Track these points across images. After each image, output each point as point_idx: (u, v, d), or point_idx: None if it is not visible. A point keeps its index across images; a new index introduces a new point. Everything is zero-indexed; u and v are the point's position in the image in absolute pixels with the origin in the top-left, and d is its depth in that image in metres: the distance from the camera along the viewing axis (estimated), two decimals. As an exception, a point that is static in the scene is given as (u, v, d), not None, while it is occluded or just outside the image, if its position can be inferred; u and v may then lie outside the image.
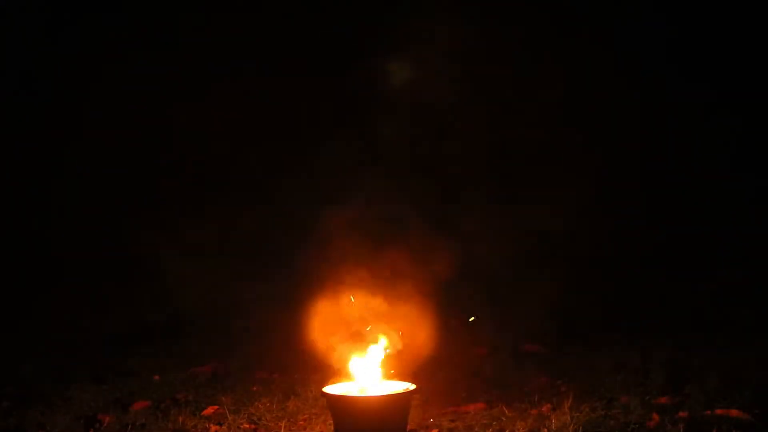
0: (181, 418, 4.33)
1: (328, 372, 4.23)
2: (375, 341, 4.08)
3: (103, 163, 7.12)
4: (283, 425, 4.19)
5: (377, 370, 4.05)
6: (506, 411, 4.26)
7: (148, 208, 7.26)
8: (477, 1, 6.45)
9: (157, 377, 5.19)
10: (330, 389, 3.96)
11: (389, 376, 4.07)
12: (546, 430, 4.01)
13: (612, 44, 6.77)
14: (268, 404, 4.49)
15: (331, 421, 3.98)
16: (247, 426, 4.23)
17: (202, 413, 4.42)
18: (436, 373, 4.81)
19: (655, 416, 4.09)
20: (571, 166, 6.92)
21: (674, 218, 7.18)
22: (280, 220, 6.78)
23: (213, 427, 4.23)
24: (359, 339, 4.09)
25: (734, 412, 4.06)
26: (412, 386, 3.95)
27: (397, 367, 4.10)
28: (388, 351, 4.06)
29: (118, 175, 7.11)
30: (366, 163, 6.27)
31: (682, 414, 4.10)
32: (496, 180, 7.00)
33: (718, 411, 4.10)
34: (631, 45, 6.88)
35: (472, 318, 5.72)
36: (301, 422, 4.25)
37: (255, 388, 4.83)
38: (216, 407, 4.48)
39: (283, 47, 6.41)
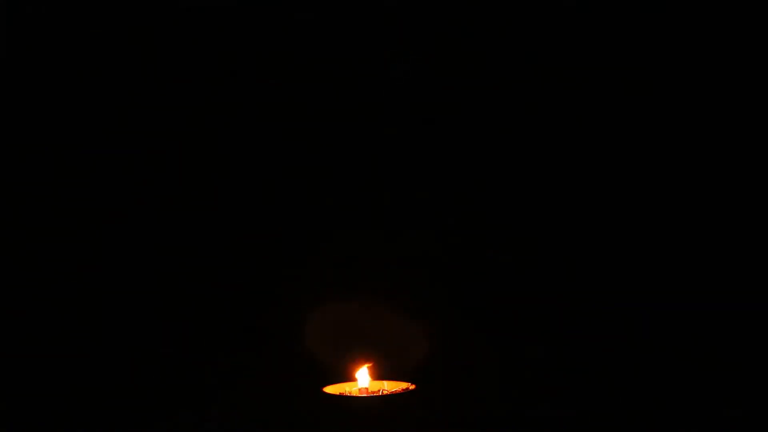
0: (181, 418, 4.34)
1: (328, 372, 4.23)
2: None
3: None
4: (282, 425, 4.20)
5: (377, 371, 4.06)
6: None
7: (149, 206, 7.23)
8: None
9: (157, 377, 5.19)
10: (330, 389, 3.96)
11: (390, 376, 4.08)
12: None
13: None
14: (268, 404, 4.50)
15: (331, 421, 3.98)
16: (248, 425, 4.23)
17: (204, 413, 4.43)
18: (436, 373, 4.81)
19: (655, 415, 4.10)
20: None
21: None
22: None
23: (214, 427, 4.23)
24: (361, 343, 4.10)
25: (732, 412, 4.07)
26: (411, 386, 3.95)
27: (397, 367, 4.10)
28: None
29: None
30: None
31: (682, 413, 4.11)
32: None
33: (718, 411, 4.11)
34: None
35: None
36: (301, 422, 4.26)
37: (255, 389, 4.83)
38: (216, 407, 4.48)
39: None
